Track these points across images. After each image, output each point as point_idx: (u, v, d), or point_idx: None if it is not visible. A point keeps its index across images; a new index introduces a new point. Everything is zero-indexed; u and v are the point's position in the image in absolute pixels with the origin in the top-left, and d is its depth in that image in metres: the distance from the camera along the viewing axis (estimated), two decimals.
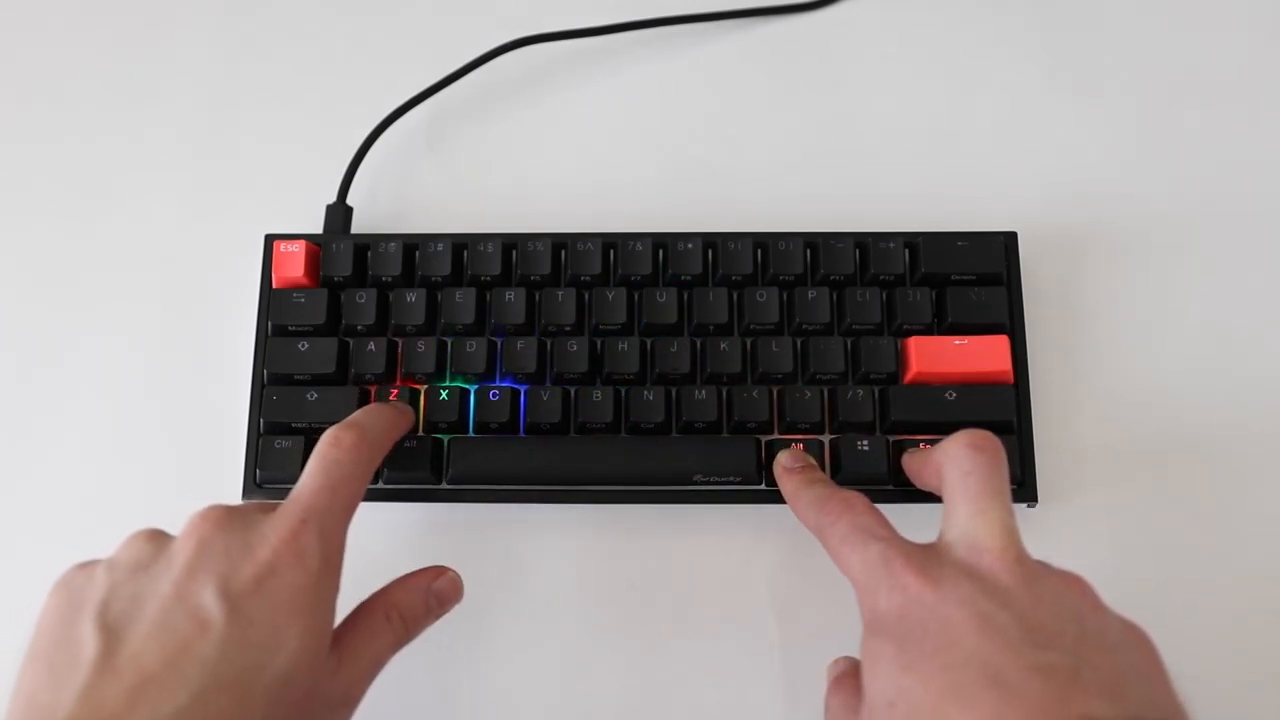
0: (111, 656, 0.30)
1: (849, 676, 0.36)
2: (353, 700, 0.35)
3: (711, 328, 0.46)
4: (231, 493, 0.45)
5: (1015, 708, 0.28)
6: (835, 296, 0.46)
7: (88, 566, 0.34)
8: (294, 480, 0.43)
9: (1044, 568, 0.33)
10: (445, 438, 0.45)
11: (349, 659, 0.35)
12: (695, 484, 0.44)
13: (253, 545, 0.33)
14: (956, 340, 0.45)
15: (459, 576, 0.40)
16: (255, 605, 0.32)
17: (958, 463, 0.35)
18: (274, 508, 0.35)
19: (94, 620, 0.31)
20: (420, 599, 0.38)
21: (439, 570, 0.39)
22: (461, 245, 0.47)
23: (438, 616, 0.39)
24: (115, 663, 0.30)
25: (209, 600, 0.32)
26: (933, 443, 0.39)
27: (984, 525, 0.33)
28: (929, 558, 0.33)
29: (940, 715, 0.29)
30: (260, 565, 0.33)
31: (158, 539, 0.35)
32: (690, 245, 0.46)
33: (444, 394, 0.44)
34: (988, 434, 0.36)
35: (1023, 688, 0.29)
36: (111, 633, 0.31)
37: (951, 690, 0.29)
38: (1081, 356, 0.48)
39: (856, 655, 0.35)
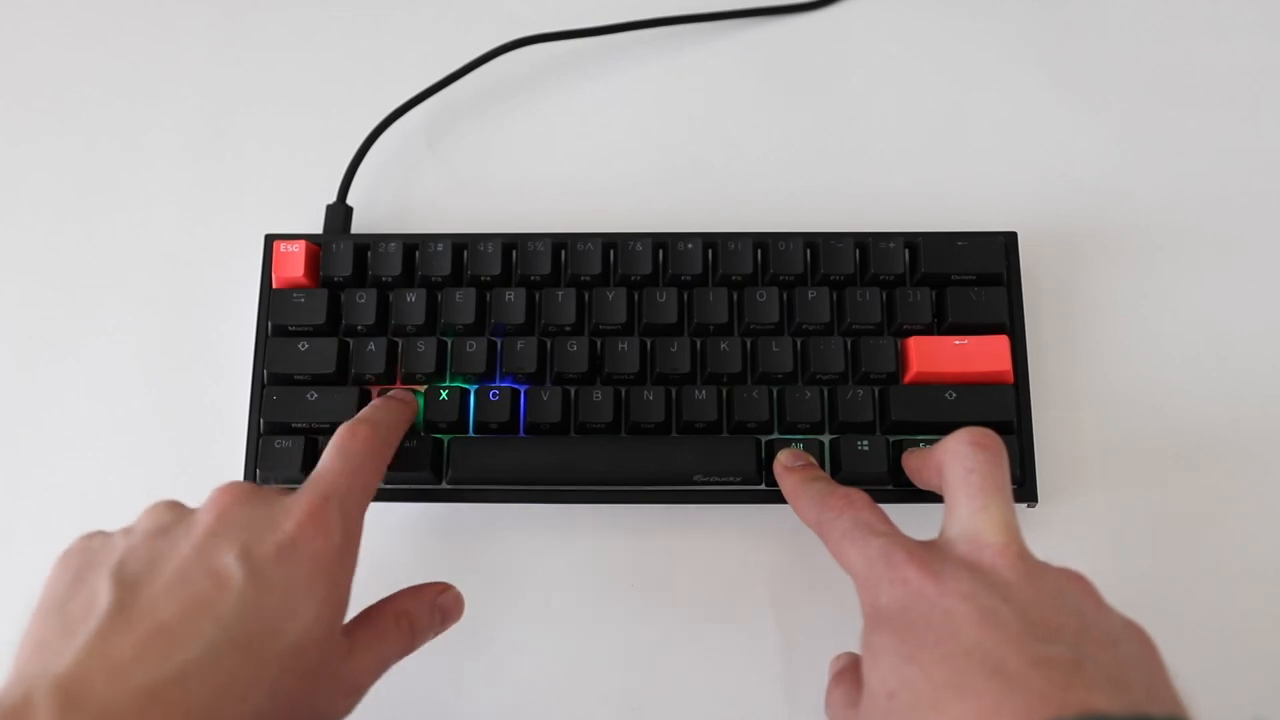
0: (125, 608, 0.30)
1: (850, 671, 0.36)
2: (359, 690, 0.35)
3: (711, 328, 0.46)
4: None
5: (1016, 698, 0.28)
6: (835, 296, 0.46)
7: (100, 533, 0.34)
8: (294, 481, 0.43)
9: (1045, 564, 0.33)
10: (445, 438, 0.45)
11: (360, 649, 0.35)
12: (695, 484, 0.44)
13: (275, 518, 0.34)
14: (956, 340, 0.45)
15: (461, 595, 0.40)
16: (275, 572, 0.32)
17: (960, 460, 0.35)
18: (293, 490, 0.36)
19: (110, 575, 0.31)
20: (427, 610, 0.38)
21: (444, 586, 0.40)
22: (461, 245, 0.47)
23: (439, 632, 0.39)
24: (129, 614, 0.30)
25: (229, 561, 0.32)
26: (932, 443, 0.39)
27: (986, 521, 0.33)
28: (931, 553, 0.33)
29: (940, 705, 0.29)
30: (283, 536, 0.33)
31: (177, 508, 0.35)
32: (690, 245, 0.46)
33: (444, 394, 0.44)
34: (989, 432, 0.36)
35: (1024, 679, 0.29)
36: (127, 586, 0.31)
37: (952, 680, 0.29)
38: (1081, 356, 0.48)
39: (858, 652, 0.35)
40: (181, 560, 0.32)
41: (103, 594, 0.31)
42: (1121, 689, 0.29)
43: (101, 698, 0.28)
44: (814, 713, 0.39)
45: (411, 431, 0.44)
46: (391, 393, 0.44)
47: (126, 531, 0.34)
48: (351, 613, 0.36)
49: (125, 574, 0.31)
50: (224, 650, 0.30)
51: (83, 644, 0.29)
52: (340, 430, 0.38)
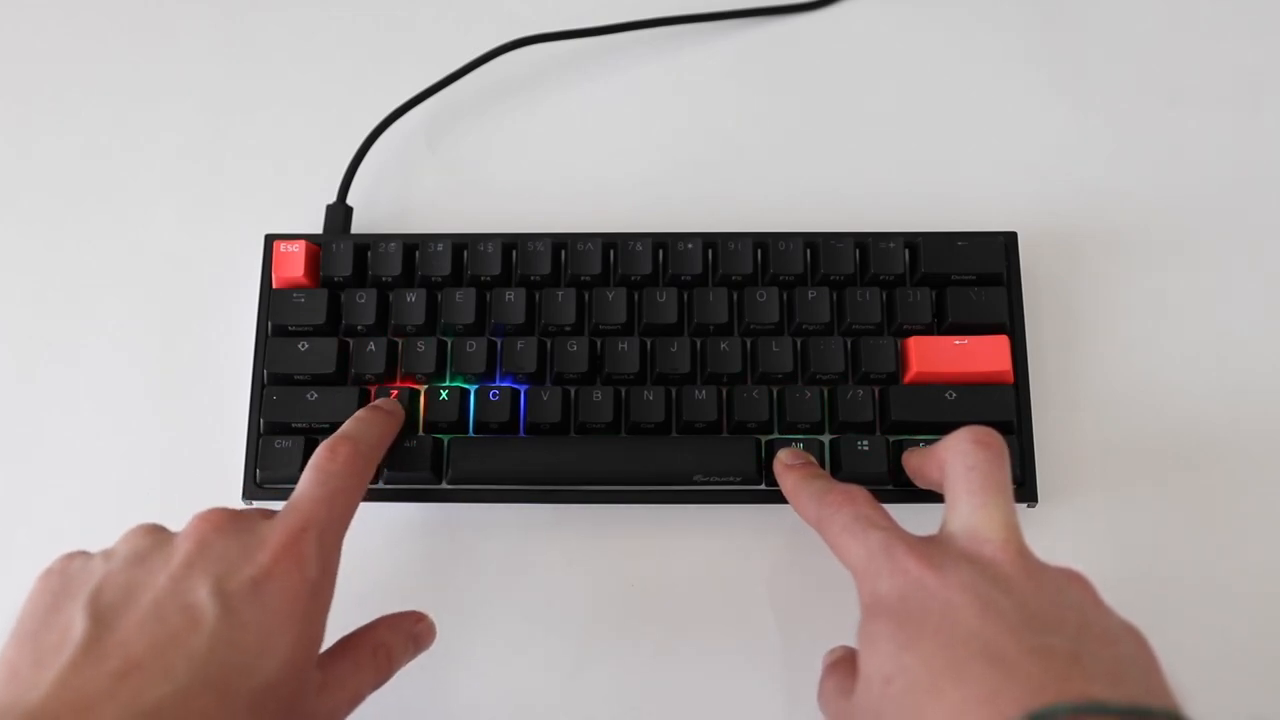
0: (98, 641, 0.30)
1: (844, 662, 0.36)
2: None
3: (711, 328, 0.46)
4: (232, 493, 0.45)
5: (1014, 685, 0.28)
6: (835, 296, 0.46)
7: (81, 555, 0.34)
8: (294, 480, 0.43)
9: (1045, 562, 0.33)
10: (445, 438, 0.45)
11: (334, 684, 0.35)
12: (695, 484, 0.44)
13: (251, 549, 0.33)
14: (956, 340, 0.45)
15: (434, 624, 0.40)
16: (249, 608, 0.32)
17: (961, 457, 0.35)
18: (274, 514, 0.35)
19: (85, 605, 0.31)
20: (404, 640, 0.38)
21: (419, 615, 0.40)
22: (461, 245, 0.47)
23: (410, 660, 0.39)
24: (102, 648, 0.30)
25: (203, 597, 0.31)
26: (932, 443, 0.39)
27: (986, 518, 0.33)
28: (931, 546, 0.34)
29: (938, 690, 0.29)
30: (258, 569, 0.33)
31: (157, 533, 0.35)
32: (690, 245, 0.46)
33: (444, 394, 0.44)
34: (991, 430, 0.36)
35: (1023, 667, 0.29)
36: (101, 619, 0.31)
37: (950, 667, 0.30)
38: (1081, 356, 0.48)
39: (854, 646, 0.35)
40: (157, 593, 0.32)
41: (77, 625, 0.31)
42: (1119, 684, 0.29)
43: None
44: (813, 713, 0.39)
45: (411, 431, 0.44)
46: (377, 401, 0.43)
47: (106, 555, 0.34)
48: (332, 637, 0.36)
49: (100, 605, 0.31)
50: (195, 689, 0.30)
51: (55, 677, 0.29)
52: (320, 450, 0.38)
